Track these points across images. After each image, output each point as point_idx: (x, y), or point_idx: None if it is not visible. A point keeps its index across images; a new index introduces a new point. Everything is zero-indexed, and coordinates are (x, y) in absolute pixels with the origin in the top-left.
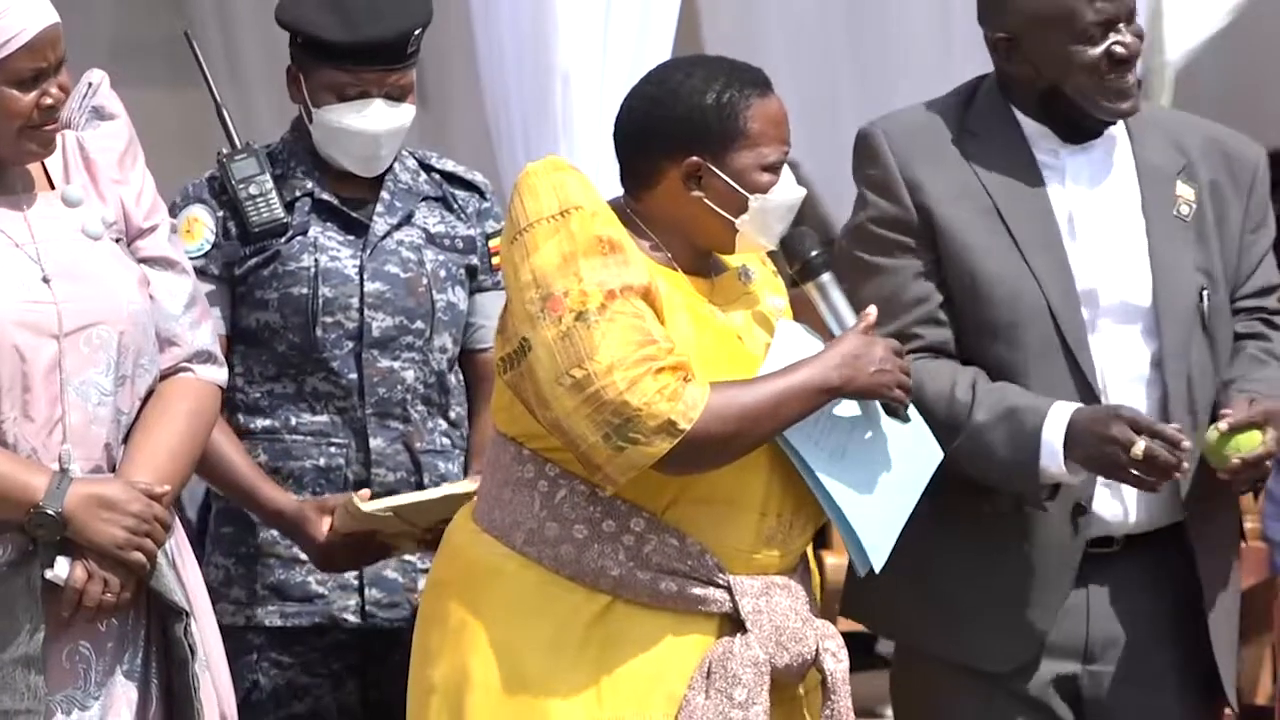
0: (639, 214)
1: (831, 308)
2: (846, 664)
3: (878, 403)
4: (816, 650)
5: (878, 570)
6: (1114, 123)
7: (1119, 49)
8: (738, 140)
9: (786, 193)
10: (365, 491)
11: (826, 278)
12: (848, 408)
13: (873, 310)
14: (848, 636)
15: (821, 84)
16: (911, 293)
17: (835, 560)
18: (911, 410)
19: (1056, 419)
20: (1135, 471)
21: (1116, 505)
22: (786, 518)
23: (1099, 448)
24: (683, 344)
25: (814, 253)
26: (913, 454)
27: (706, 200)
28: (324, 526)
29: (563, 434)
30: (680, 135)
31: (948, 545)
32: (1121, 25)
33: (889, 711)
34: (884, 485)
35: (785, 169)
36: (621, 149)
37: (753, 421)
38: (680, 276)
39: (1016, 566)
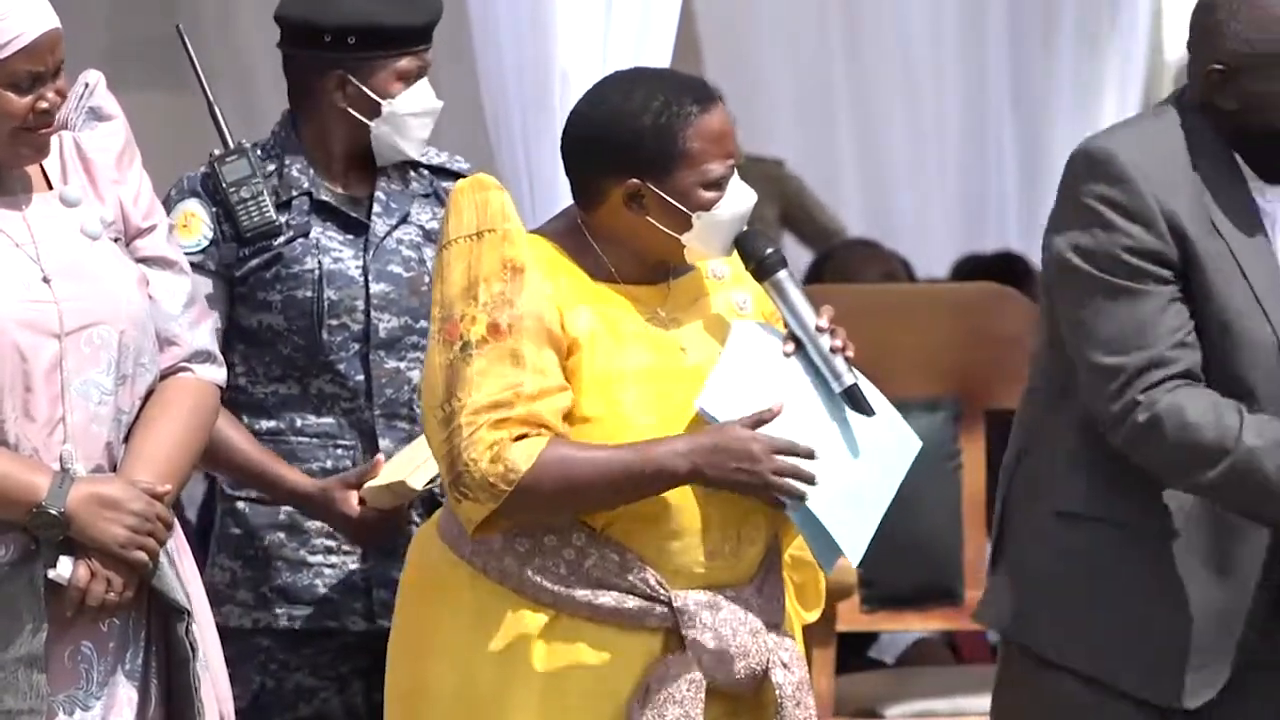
0: (589, 226)
1: (789, 305)
2: (800, 675)
3: (841, 398)
4: (768, 663)
5: (855, 565)
6: None
7: None
8: (678, 161)
9: (732, 206)
10: (379, 457)
11: (782, 275)
12: (813, 406)
13: (829, 308)
14: (845, 637)
15: (818, 83)
16: (1168, 318)
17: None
18: (883, 403)
19: None
20: None
21: None
22: (732, 530)
23: None
24: (603, 368)
25: (768, 251)
26: (886, 446)
27: (650, 219)
28: (354, 501)
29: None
30: (619, 158)
31: (1137, 569)
32: None
33: (889, 711)
34: (854, 480)
35: (734, 178)
36: (566, 166)
37: (583, 492)
38: (614, 293)
39: (1211, 598)
